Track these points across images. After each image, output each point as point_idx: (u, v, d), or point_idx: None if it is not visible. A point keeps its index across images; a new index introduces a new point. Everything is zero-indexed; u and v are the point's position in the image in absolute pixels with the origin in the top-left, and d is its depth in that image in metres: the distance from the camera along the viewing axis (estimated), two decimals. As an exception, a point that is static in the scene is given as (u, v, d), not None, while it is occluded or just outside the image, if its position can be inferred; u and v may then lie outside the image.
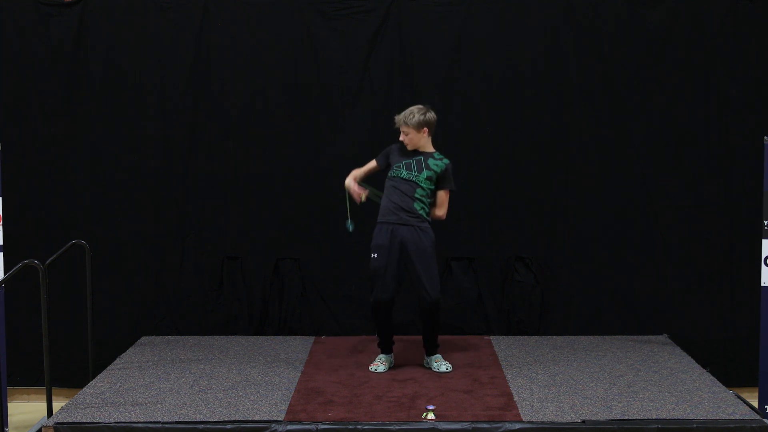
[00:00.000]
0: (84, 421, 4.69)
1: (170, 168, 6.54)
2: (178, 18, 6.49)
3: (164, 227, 6.57)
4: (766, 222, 5.55)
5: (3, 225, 5.73)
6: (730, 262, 6.46)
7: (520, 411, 4.80)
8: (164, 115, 6.53)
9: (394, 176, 5.55)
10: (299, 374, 5.55)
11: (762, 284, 5.58)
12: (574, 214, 6.52)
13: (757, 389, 5.74)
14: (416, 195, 5.50)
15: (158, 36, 6.49)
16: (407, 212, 5.49)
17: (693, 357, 5.88)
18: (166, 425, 4.63)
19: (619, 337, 6.38)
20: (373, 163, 5.70)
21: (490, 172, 6.52)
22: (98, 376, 5.55)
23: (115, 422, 4.66)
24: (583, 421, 4.64)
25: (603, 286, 6.52)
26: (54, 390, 5.43)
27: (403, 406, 4.91)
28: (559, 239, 6.54)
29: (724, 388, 5.23)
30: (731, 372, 6.35)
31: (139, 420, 4.69)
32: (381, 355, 5.72)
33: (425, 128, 5.53)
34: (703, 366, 5.74)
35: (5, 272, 5.60)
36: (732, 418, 4.69)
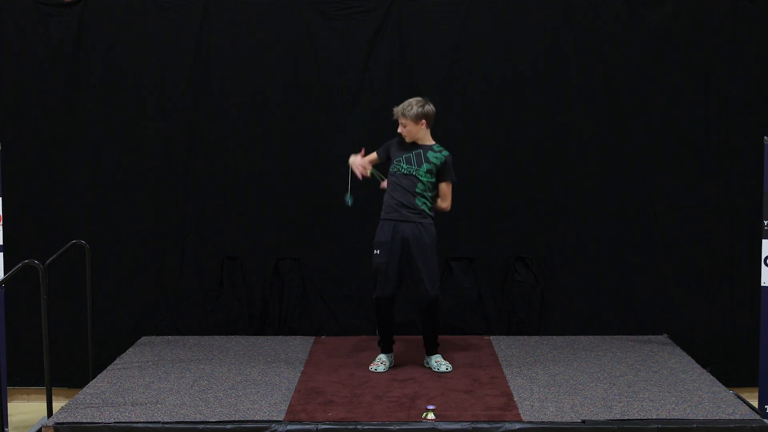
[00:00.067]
0: (84, 421, 4.69)
1: (170, 168, 6.54)
2: (178, 18, 6.48)
3: (164, 227, 6.57)
4: (766, 222, 5.54)
5: (3, 225, 5.72)
6: (730, 262, 6.46)
7: (520, 411, 4.80)
8: (164, 115, 6.52)
9: (395, 172, 5.55)
10: (299, 374, 5.55)
11: (762, 284, 5.58)
12: (574, 214, 6.51)
13: (757, 389, 5.73)
14: (417, 190, 5.50)
15: (158, 36, 6.48)
16: (409, 208, 5.49)
17: (693, 357, 5.88)
18: (166, 425, 4.63)
19: (619, 337, 6.38)
20: (373, 155, 5.72)
21: (490, 172, 6.52)
22: (98, 376, 5.54)
23: (115, 422, 4.66)
24: (583, 421, 4.64)
25: (603, 286, 6.51)
26: (54, 390, 5.42)
27: (403, 406, 4.91)
28: (559, 239, 6.53)
29: (724, 388, 5.22)
30: (731, 372, 6.35)
31: (139, 420, 4.69)
32: (381, 355, 5.72)
33: (423, 120, 5.52)
34: (703, 366, 5.74)
35: (5, 272, 5.60)
36: (732, 418, 4.68)
